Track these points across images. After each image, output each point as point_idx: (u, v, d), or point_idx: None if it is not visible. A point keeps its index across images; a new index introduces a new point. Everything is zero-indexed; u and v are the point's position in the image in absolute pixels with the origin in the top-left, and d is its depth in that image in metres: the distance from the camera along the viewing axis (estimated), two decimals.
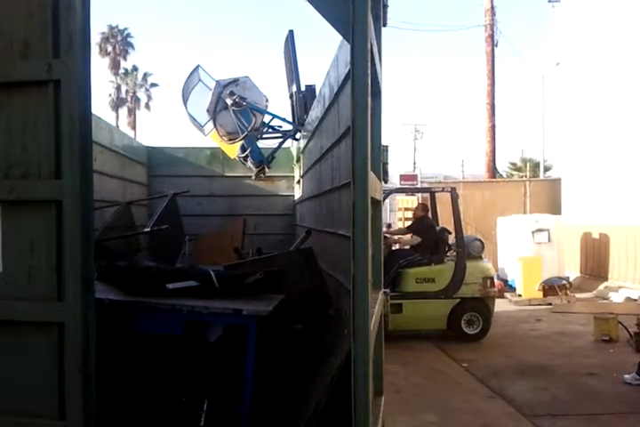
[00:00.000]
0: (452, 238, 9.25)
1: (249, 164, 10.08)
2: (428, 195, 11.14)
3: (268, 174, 11.33)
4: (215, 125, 9.62)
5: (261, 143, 10.25)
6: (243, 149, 9.83)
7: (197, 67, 10.28)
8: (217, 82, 9.70)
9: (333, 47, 5.14)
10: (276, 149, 10.28)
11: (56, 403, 2.40)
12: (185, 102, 10.16)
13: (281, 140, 10.30)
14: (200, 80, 10.03)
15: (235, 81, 9.60)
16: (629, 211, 13.13)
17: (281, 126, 10.25)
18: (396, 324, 8.37)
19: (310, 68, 11.49)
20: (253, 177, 10.48)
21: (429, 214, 9.74)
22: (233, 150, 10.13)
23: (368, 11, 2.41)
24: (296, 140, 10.47)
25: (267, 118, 10.05)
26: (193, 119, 10.14)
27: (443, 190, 9.83)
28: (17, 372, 2.45)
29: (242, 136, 9.42)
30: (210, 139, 10.13)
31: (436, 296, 8.72)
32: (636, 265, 12.84)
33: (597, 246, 14.39)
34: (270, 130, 10.26)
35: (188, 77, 10.22)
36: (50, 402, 2.40)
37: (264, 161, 9.91)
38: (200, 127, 10.01)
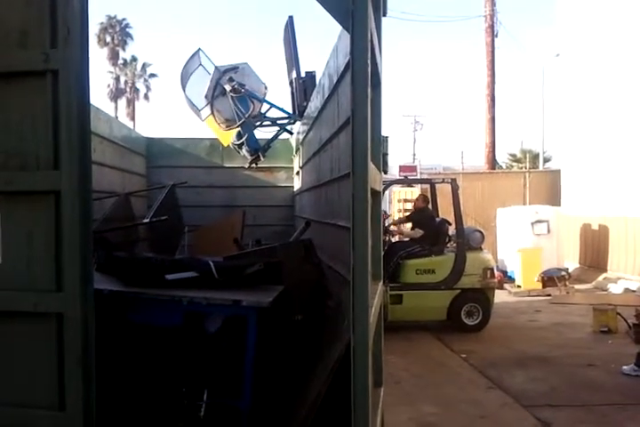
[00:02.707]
0: (452, 230, 9.25)
1: (244, 151, 10.03)
2: (427, 186, 11.13)
3: (267, 165, 11.35)
4: (212, 111, 9.58)
5: (260, 131, 10.20)
6: (239, 136, 9.77)
7: (198, 50, 10.19)
8: (216, 67, 9.65)
9: (333, 35, 5.12)
10: (272, 139, 10.25)
11: (56, 394, 2.40)
12: (184, 86, 10.07)
13: (278, 130, 10.25)
14: (201, 64, 9.95)
15: (234, 68, 9.55)
16: (629, 202, 13.13)
17: (278, 118, 10.18)
18: (397, 315, 8.40)
19: (310, 55, 11.43)
20: (246, 165, 10.45)
21: (429, 206, 9.74)
22: (227, 137, 10.08)
23: (368, 0, 2.39)
24: (290, 133, 10.41)
25: (265, 108, 9.99)
26: (191, 103, 10.09)
27: (443, 181, 9.82)
28: (16, 363, 2.45)
29: (239, 123, 9.37)
30: (205, 124, 10.06)
31: (436, 287, 8.73)
32: (635, 256, 12.86)
33: (597, 238, 14.40)
34: (267, 120, 10.19)
35: (189, 61, 10.12)
36: (49, 393, 2.40)
37: (260, 149, 9.86)
38: (197, 111, 9.97)
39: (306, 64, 9.76)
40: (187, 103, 10.16)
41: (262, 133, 10.36)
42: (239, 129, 9.61)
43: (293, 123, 10.13)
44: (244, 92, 9.30)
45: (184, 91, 10.08)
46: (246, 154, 10.02)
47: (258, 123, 9.95)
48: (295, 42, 9.51)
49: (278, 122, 10.12)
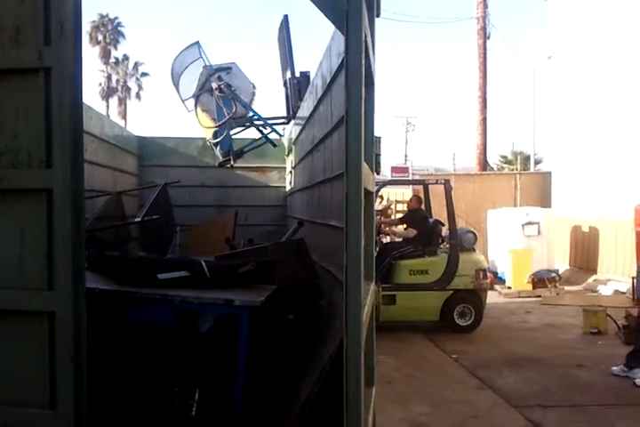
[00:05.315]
0: (445, 230, 9.27)
1: (217, 151, 10.00)
2: (418, 187, 11.15)
3: (259, 165, 11.35)
4: (195, 106, 9.58)
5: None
6: (215, 135, 9.74)
7: (198, 42, 10.13)
8: (210, 65, 9.64)
9: (327, 34, 5.11)
10: (247, 146, 10.22)
11: (47, 393, 2.39)
12: (178, 75, 10.00)
13: (258, 138, 10.22)
14: (201, 57, 9.91)
15: (227, 68, 9.53)
16: (619, 204, 13.19)
17: (265, 124, 10.09)
18: (390, 315, 8.40)
19: (304, 55, 11.40)
20: (216, 164, 10.42)
21: (423, 207, 9.75)
22: (207, 134, 10.07)
23: (362, 1, 2.39)
24: (274, 145, 10.36)
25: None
26: (180, 93, 10.06)
27: (437, 182, 9.82)
28: (7, 361, 2.43)
29: (219, 123, 9.34)
30: (194, 116, 10.02)
31: (429, 288, 8.75)
32: (625, 258, 12.92)
33: (587, 239, 14.47)
34: (253, 126, 10.13)
35: (185, 50, 10.04)
36: (41, 392, 2.39)
37: (231, 152, 9.82)
38: (183, 102, 9.96)
39: (300, 64, 9.71)
40: (176, 92, 10.11)
41: (255, 134, 10.35)
42: (217, 128, 9.58)
43: (287, 123, 10.10)
44: (229, 93, 9.27)
45: (177, 80, 10.02)
46: (218, 154, 10.00)
47: (244, 125, 9.89)
48: (290, 42, 9.48)
49: (263, 131, 10.08)
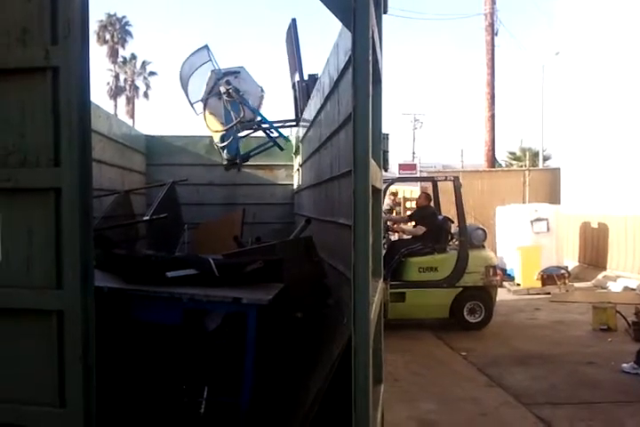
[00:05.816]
0: (454, 227, 9.24)
1: (224, 154, 10.04)
2: (426, 184, 11.11)
3: (267, 163, 11.39)
4: (204, 109, 9.62)
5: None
6: (223, 138, 9.77)
7: (206, 46, 10.17)
8: (218, 69, 9.66)
9: (334, 34, 5.10)
10: (254, 150, 10.24)
11: (56, 391, 2.39)
12: (187, 78, 10.04)
13: (266, 141, 10.24)
14: (210, 60, 9.94)
15: (235, 72, 9.57)
16: (628, 201, 13.13)
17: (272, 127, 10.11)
18: (399, 312, 8.39)
19: (313, 57, 11.44)
20: (224, 167, 10.46)
21: (431, 204, 9.72)
22: (215, 137, 10.13)
23: None
24: (281, 149, 10.38)
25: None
26: (189, 96, 10.10)
27: (445, 179, 9.79)
28: (17, 360, 2.44)
29: (227, 127, 9.37)
30: (203, 119, 10.08)
31: (438, 285, 8.73)
32: (635, 255, 12.86)
33: (596, 236, 14.40)
34: (260, 129, 10.16)
35: (194, 54, 10.09)
36: (50, 390, 2.40)
37: (238, 156, 9.85)
38: (192, 105, 10.00)
39: (308, 63, 9.73)
40: (185, 95, 10.16)
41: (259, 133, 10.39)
42: (225, 132, 9.62)
43: (296, 126, 10.11)
44: (237, 98, 9.29)
45: (186, 83, 10.06)
46: (225, 157, 10.04)
47: (252, 128, 9.92)
48: (298, 45, 9.49)
49: (270, 135, 10.09)
